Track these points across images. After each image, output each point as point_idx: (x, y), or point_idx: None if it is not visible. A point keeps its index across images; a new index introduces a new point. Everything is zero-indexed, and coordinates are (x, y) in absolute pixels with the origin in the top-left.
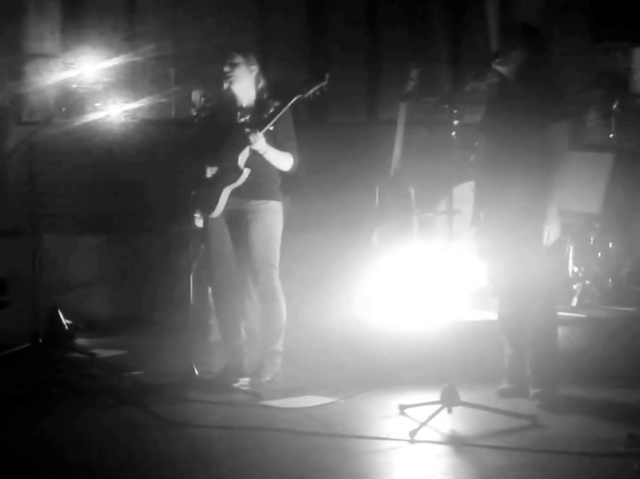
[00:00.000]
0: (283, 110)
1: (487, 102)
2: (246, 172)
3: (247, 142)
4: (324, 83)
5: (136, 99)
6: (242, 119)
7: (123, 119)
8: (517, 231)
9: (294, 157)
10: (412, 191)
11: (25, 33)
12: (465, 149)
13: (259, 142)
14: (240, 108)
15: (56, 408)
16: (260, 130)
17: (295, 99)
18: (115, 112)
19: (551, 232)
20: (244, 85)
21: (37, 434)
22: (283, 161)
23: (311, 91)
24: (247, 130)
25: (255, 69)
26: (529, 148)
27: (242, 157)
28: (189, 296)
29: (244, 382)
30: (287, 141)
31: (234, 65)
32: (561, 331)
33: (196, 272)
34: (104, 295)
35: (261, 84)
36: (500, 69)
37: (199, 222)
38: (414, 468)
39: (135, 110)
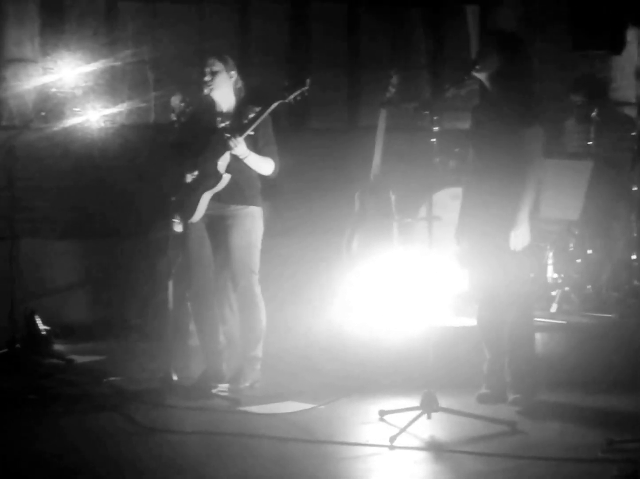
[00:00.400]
0: (264, 115)
1: (472, 110)
2: (226, 177)
3: (227, 148)
4: (305, 88)
5: (115, 103)
6: (222, 124)
7: (102, 124)
8: (497, 237)
9: (275, 161)
10: (392, 197)
11: (4, 38)
12: (445, 156)
13: (240, 147)
14: (220, 113)
15: (34, 414)
16: (241, 135)
17: (276, 104)
18: (94, 116)
19: (518, 237)
20: (224, 91)
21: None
22: (264, 165)
23: (292, 96)
24: (227, 135)
25: (234, 74)
26: (506, 154)
27: (222, 162)
28: (167, 302)
29: (222, 388)
30: (268, 145)
31: (214, 73)
32: (540, 337)
33: (175, 277)
34: (82, 300)
35: (240, 88)
36: (479, 76)
37: (178, 227)
38: (394, 474)
39: (114, 115)
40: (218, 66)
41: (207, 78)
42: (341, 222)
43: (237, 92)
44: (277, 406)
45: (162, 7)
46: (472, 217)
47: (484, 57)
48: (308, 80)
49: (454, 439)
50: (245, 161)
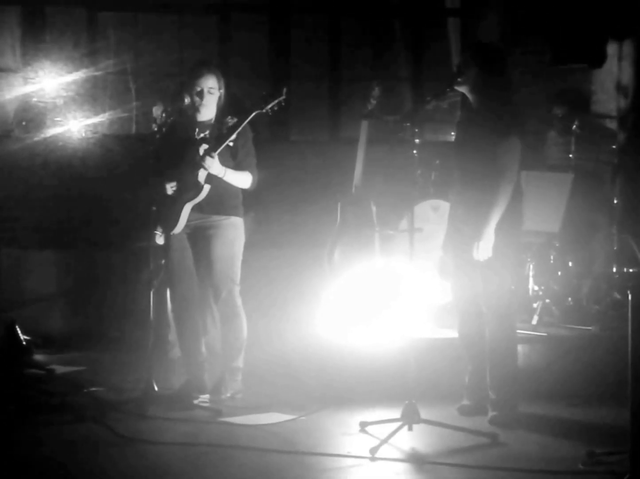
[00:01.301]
0: (241, 127)
1: (456, 124)
2: (206, 188)
3: (202, 166)
4: (282, 98)
5: (97, 113)
6: (201, 135)
7: (83, 134)
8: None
9: (253, 174)
10: (373, 208)
11: None
12: (426, 167)
13: (215, 167)
14: (200, 124)
15: (14, 424)
16: (215, 151)
17: (253, 114)
18: (75, 126)
19: (481, 249)
20: (211, 106)
21: None
22: (241, 179)
23: (269, 106)
24: (202, 152)
25: (223, 91)
26: (486, 167)
27: (202, 173)
28: (148, 312)
29: (204, 398)
30: (247, 157)
31: (211, 94)
32: (521, 349)
33: (156, 287)
34: (63, 310)
35: (220, 97)
36: (461, 88)
37: (160, 240)
38: None
39: (95, 125)
40: (216, 88)
41: (205, 100)
42: (323, 233)
43: (219, 106)
44: (259, 417)
45: (143, 17)
46: (455, 229)
47: (463, 70)
48: (285, 90)
49: (435, 450)
50: (224, 178)
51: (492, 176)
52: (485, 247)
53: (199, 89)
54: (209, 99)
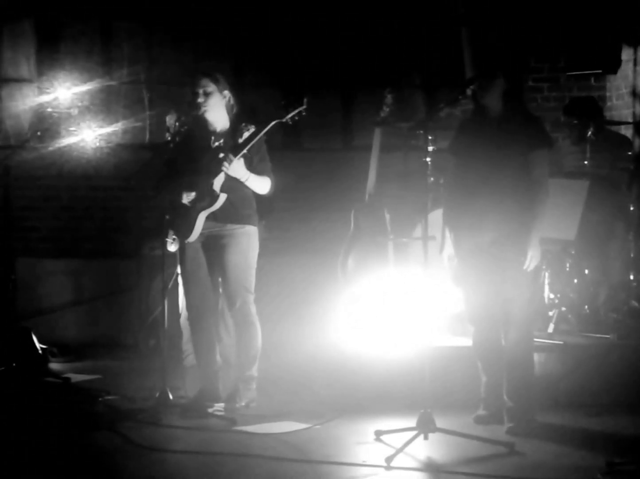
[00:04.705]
0: (260, 135)
1: (460, 125)
2: (222, 197)
3: (220, 168)
4: (303, 107)
5: (111, 123)
6: (217, 144)
7: (97, 144)
8: (493, 257)
9: (270, 178)
10: (387, 216)
11: (0, 58)
12: (439, 175)
13: (239, 170)
14: (214, 132)
15: (29, 432)
16: (235, 156)
17: (272, 123)
18: (90, 136)
19: (533, 257)
20: (218, 110)
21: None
22: (262, 185)
23: (290, 115)
24: (222, 155)
25: (227, 94)
26: (508, 174)
27: (217, 182)
28: (163, 320)
29: (218, 407)
30: (262, 162)
31: (207, 95)
32: (538, 357)
33: (170, 296)
34: (78, 319)
35: (232, 105)
36: (484, 101)
37: (172, 247)
38: None
39: (109, 134)
40: (211, 87)
41: (200, 99)
42: (336, 241)
43: (229, 109)
44: (273, 426)
45: (157, 27)
46: (463, 235)
47: (488, 80)
48: (306, 100)
49: (451, 460)
50: (246, 182)
51: (515, 185)
52: (536, 255)
53: (195, 90)
54: (208, 101)
